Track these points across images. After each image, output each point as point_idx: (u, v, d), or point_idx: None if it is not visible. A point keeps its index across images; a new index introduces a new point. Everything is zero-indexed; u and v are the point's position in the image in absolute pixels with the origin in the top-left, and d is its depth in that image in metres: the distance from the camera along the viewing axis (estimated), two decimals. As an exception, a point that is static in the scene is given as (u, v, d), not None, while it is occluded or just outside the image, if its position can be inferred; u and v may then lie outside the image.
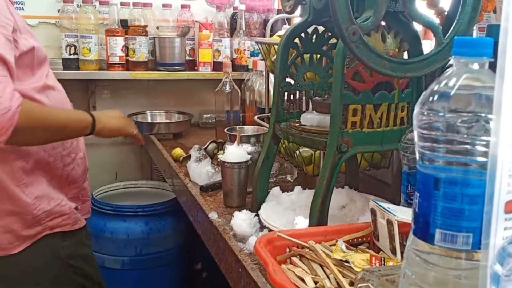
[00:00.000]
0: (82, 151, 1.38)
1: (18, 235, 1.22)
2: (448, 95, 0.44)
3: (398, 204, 0.93)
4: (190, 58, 2.27)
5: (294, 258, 0.77)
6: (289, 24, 2.21)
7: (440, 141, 0.44)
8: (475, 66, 0.45)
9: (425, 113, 0.45)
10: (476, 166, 0.43)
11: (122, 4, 2.22)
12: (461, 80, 0.44)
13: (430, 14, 1.05)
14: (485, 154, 0.42)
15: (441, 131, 0.43)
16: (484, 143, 0.42)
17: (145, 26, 2.16)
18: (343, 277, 0.69)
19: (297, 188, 1.16)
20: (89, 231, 1.45)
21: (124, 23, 2.17)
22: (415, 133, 0.46)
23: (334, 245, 0.77)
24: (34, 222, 1.23)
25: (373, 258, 0.71)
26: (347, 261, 0.70)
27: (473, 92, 0.44)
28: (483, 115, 0.42)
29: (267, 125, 1.47)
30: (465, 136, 0.42)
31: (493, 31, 1.07)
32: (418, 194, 0.48)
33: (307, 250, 0.77)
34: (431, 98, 0.45)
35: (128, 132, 1.41)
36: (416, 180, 0.48)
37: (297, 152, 1.34)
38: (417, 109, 0.46)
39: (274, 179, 1.43)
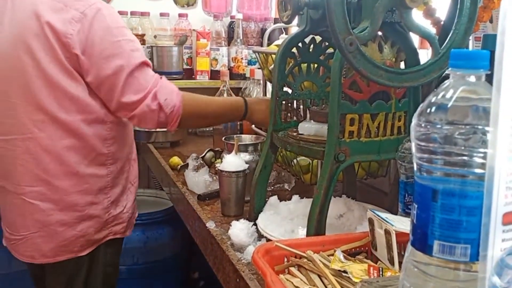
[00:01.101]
0: (134, 152, 1.48)
1: (90, 239, 1.30)
2: (445, 107, 0.44)
3: (396, 213, 0.93)
4: (188, 67, 2.28)
5: (292, 268, 0.77)
6: (286, 33, 2.22)
7: (437, 153, 0.44)
8: (472, 78, 0.45)
9: (423, 124, 0.45)
10: (473, 178, 0.44)
11: (120, 13, 2.21)
12: (458, 92, 0.45)
13: (427, 24, 1.06)
14: (482, 166, 0.42)
15: (439, 143, 0.44)
16: (481, 155, 0.42)
17: (143, 35, 2.17)
18: (341, 287, 0.69)
19: (295, 197, 1.16)
20: None
21: (121, 32, 2.18)
22: (413, 144, 0.47)
23: (332, 255, 0.77)
24: (103, 226, 1.32)
25: (371, 268, 0.71)
26: (345, 272, 0.70)
27: (470, 104, 0.44)
28: (480, 127, 0.43)
29: (265, 134, 1.47)
30: (463, 148, 0.43)
31: (489, 41, 1.07)
32: (416, 206, 0.48)
33: (305, 260, 0.77)
34: (428, 110, 0.46)
35: None
36: (414, 191, 0.48)
37: (295, 160, 1.34)
38: (414, 120, 0.47)
39: (272, 187, 1.43)
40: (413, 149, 0.47)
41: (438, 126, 0.44)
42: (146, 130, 2.20)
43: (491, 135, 0.39)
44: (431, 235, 0.46)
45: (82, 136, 1.23)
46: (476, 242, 0.43)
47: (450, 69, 0.46)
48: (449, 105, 0.44)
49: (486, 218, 0.40)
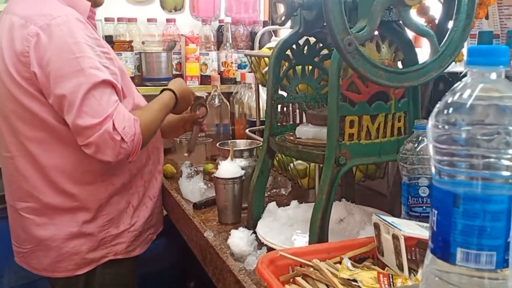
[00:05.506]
0: (154, 165, 1.40)
1: (84, 258, 1.25)
2: (464, 107, 0.42)
3: (397, 215, 0.90)
4: (177, 73, 2.25)
5: (298, 278, 0.74)
6: (276, 36, 2.21)
7: (460, 155, 0.42)
8: (492, 75, 0.43)
9: (440, 126, 0.43)
10: (497, 181, 0.41)
11: (106, 19, 2.19)
12: (477, 91, 0.42)
13: (421, 22, 1.04)
14: (508, 168, 0.40)
15: (460, 145, 0.41)
16: (508, 156, 0.40)
17: (131, 42, 2.13)
18: (351, 297, 0.66)
19: (293, 203, 1.13)
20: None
21: (109, 39, 2.14)
22: (430, 147, 0.44)
23: (339, 262, 0.75)
24: (99, 245, 1.26)
25: (381, 275, 0.69)
26: (354, 280, 0.67)
27: (491, 103, 0.42)
28: (503, 126, 0.40)
29: (259, 138, 1.45)
30: (486, 149, 0.40)
31: (485, 38, 1.06)
32: (435, 211, 0.45)
33: (311, 269, 0.74)
34: (446, 111, 0.43)
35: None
36: (432, 195, 0.46)
37: (292, 165, 1.31)
38: (431, 121, 0.44)
39: (268, 193, 1.40)
40: (431, 152, 0.44)
41: (458, 127, 0.42)
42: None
43: (517, 135, 0.36)
44: (454, 243, 0.44)
45: (62, 156, 1.20)
46: (502, 249, 0.41)
47: (467, 66, 0.44)
48: (468, 104, 0.42)
49: (515, 223, 0.37)
